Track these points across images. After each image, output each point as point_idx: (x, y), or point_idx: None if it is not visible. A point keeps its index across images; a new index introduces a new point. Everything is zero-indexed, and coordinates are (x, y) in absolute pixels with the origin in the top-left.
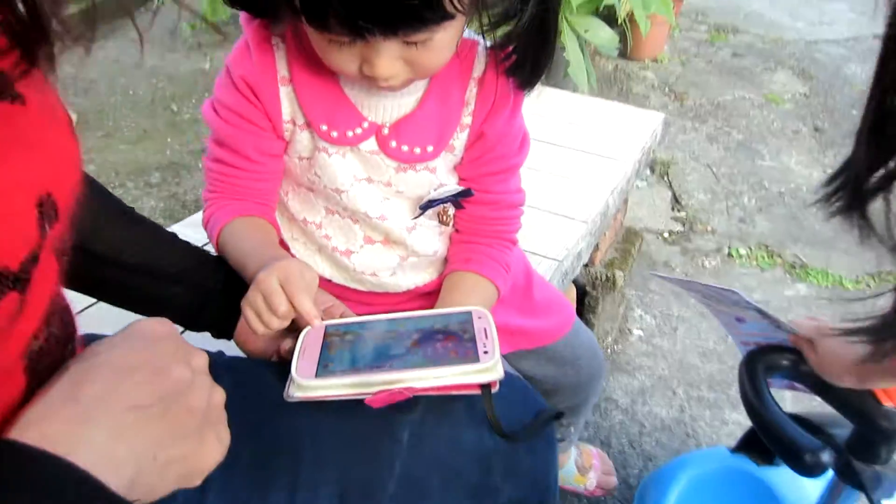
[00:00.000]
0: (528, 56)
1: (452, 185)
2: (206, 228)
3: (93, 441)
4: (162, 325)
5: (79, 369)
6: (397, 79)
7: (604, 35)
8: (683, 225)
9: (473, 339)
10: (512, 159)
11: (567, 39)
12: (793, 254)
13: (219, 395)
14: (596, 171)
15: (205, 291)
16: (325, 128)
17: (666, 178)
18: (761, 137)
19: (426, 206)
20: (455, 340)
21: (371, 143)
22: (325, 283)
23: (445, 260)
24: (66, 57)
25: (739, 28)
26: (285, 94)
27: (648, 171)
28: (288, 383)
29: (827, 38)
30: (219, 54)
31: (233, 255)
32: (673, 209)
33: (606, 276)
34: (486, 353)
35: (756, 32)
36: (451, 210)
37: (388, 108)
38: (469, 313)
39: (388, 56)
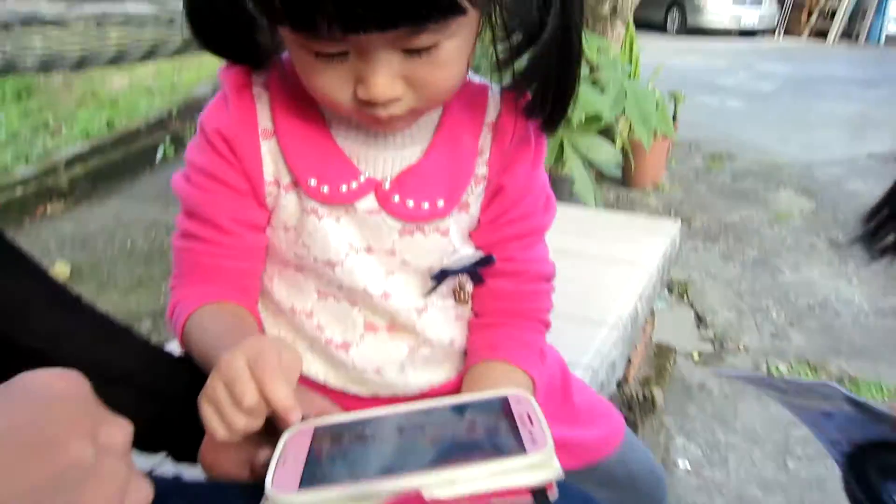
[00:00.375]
0: (550, 87)
1: (469, 252)
2: (169, 323)
3: None
4: (62, 380)
5: None
6: (399, 106)
7: (605, 153)
8: (713, 344)
9: (515, 429)
10: (537, 220)
11: (570, 158)
12: (837, 367)
13: (140, 492)
14: (620, 277)
15: (160, 398)
16: (313, 183)
17: (686, 298)
18: (777, 253)
19: (440, 277)
20: (489, 432)
21: (369, 201)
22: (319, 389)
23: (464, 353)
24: (66, 215)
25: (734, 155)
26: (267, 150)
27: (667, 292)
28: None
29: (823, 160)
30: None
31: (197, 349)
32: (699, 328)
33: (643, 394)
34: (533, 443)
35: (752, 158)
36: (469, 286)
37: (388, 161)
38: (504, 398)
39: (387, 71)
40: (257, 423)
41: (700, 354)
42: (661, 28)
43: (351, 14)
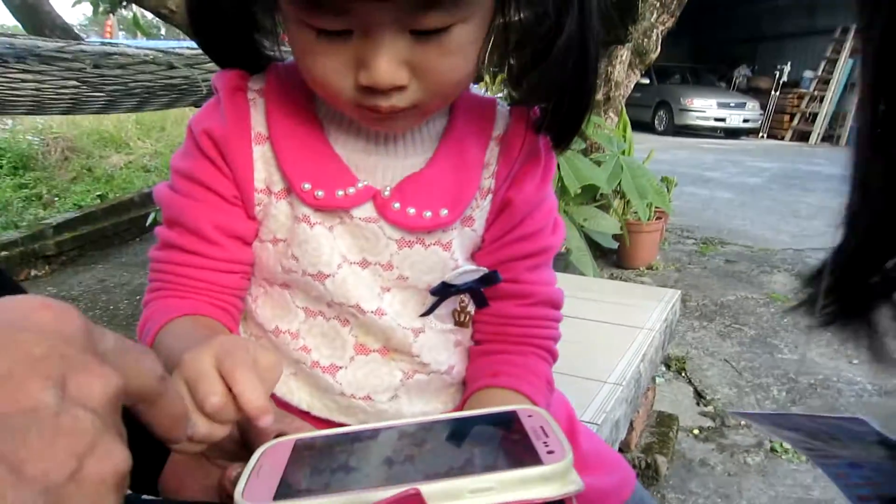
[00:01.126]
0: (565, 99)
1: (473, 267)
2: (140, 338)
3: None
4: (46, 311)
5: None
6: (402, 98)
7: (603, 224)
8: (714, 420)
9: (529, 441)
10: (545, 239)
11: (567, 228)
12: None
13: (109, 460)
14: (622, 339)
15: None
16: (307, 187)
17: (684, 374)
18: (775, 332)
19: (440, 292)
20: (500, 443)
21: (367, 209)
22: (302, 417)
23: (464, 383)
24: (51, 278)
25: (726, 241)
26: (260, 155)
27: (664, 368)
28: None
29: (814, 247)
30: None
31: (164, 359)
32: (698, 404)
33: (647, 462)
34: (550, 453)
35: (744, 244)
36: (471, 308)
37: (388, 170)
38: (513, 412)
39: (392, 53)
40: (222, 430)
41: (701, 430)
42: (649, 128)
43: None
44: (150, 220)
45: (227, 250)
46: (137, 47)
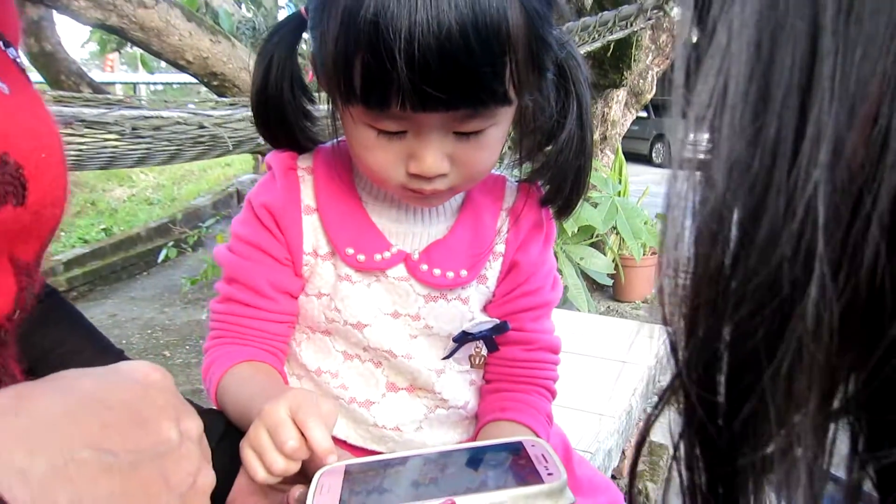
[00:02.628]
0: (568, 179)
1: (487, 318)
2: (204, 381)
3: (27, 471)
4: (156, 372)
5: (31, 385)
6: (443, 182)
7: (598, 262)
8: None
9: (532, 465)
10: (546, 294)
11: (564, 266)
12: None
13: (208, 478)
14: (614, 374)
15: None
16: (351, 251)
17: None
18: None
19: (460, 339)
20: (508, 467)
21: (400, 270)
22: (340, 445)
23: (476, 417)
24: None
25: None
26: (308, 224)
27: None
28: None
29: None
30: None
31: (233, 402)
32: None
33: (637, 488)
34: (550, 475)
35: None
36: (484, 351)
37: (416, 236)
38: (519, 443)
39: (439, 149)
40: (295, 466)
41: None
42: (647, 160)
43: (422, 96)
44: (161, 257)
45: (280, 304)
46: (167, 106)
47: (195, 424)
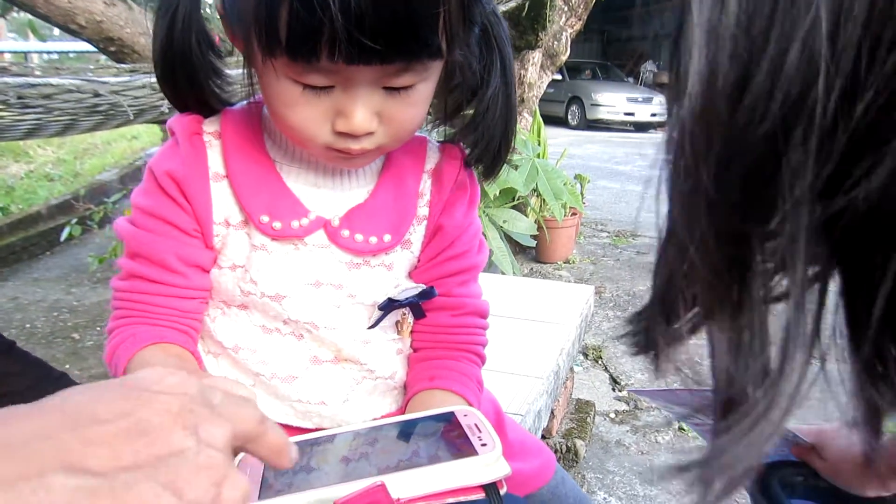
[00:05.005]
0: (494, 139)
1: (413, 284)
2: (109, 367)
3: None
4: (172, 375)
5: (15, 407)
6: (371, 141)
7: (521, 225)
8: (628, 404)
9: (465, 436)
10: (472, 258)
11: (488, 229)
12: None
13: (237, 490)
14: (541, 336)
15: None
16: (266, 219)
17: (600, 362)
18: None
19: (386, 307)
20: (441, 439)
21: (319, 237)
22: None
23: (404, 388)
24: None
25: (637, 233)
26: (218, 191)
27: (582, 357)
28: None
29: None
30: None
31: None
32: (614, 390)
33: (567, 446)
34: (483, 445)
35: (653, 236)
36: (411, 319)
37: (335, 201)
38: (451, 413)
39: (368, 105)
40: None
41: (616, 413)
42: (563, 122)
43: (356, 47)
44: (64, 235)
45: (189, 279)
46: (59, 73)
47: (221, 430)
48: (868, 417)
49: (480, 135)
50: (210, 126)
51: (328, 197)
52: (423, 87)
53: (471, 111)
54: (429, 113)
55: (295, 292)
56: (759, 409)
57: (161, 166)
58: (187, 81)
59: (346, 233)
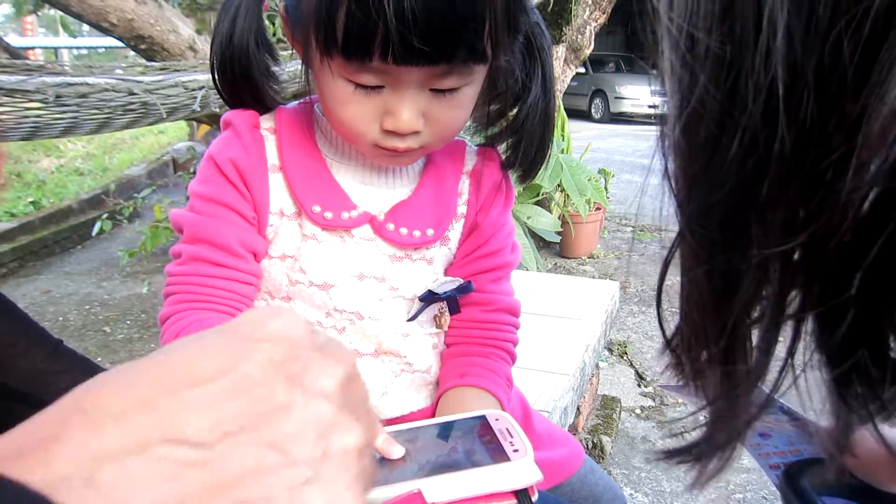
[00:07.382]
0: (533, 143)
1: (451, 278)
2: None
3: (93, 479)
4: (275, 319)
5: (108, 372)
6: (416, 140)
7: (545, 220)
8: (654, 399)
9: (497, 441)
10: (506, 256)
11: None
12: None
13: (348, 438)
14: (567, 332)
15: None
16: (317, 209)
17: (625, 357)
18: None
19: (427, 298)
20: (472, 444)
21: (366, 230)
22: None
23: (437, 383)
24: None
25: (662, 227)
26: (274, 182)
27: (608, 352)
28: None
29: None
30: (157, 278)
31: None
32: (639, 385)
33: (593, 442)
34: (515, 451)
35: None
36: (448, 314)
37: (381, 198)
38: (482, 416)
39: (414, 106)
40: None
41: (642, 409)
42: (587, 116)
43: (406, 48)
44: (96, 230)
45: (248, 264)
46: (93, 73)
47: (327, 375)
48: (840, 429)
49: (519, 140)
50: (266, 122)
51: (374, 193)
52: (468, 90)
53: (509, 116)
54: (470, 118)
55: (341, 282)
56: (739, 397)
57: (224, 154)
58: (244, 78)
59: (391, 226)
